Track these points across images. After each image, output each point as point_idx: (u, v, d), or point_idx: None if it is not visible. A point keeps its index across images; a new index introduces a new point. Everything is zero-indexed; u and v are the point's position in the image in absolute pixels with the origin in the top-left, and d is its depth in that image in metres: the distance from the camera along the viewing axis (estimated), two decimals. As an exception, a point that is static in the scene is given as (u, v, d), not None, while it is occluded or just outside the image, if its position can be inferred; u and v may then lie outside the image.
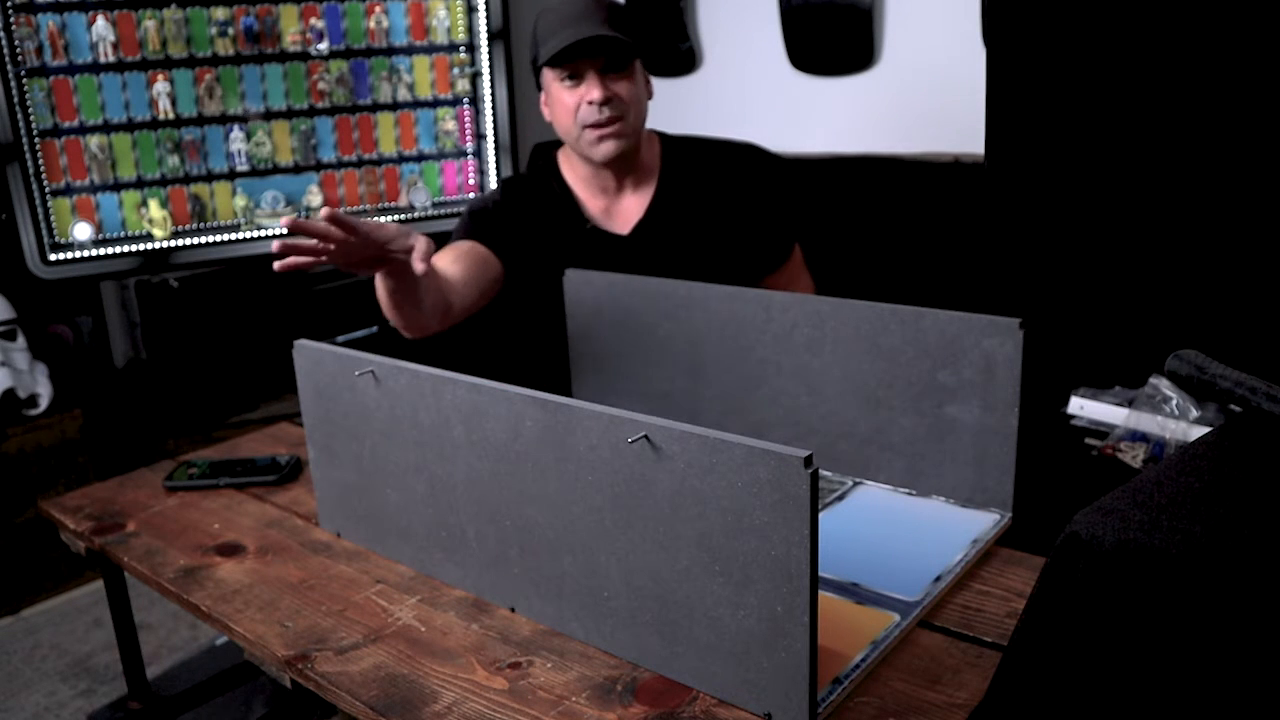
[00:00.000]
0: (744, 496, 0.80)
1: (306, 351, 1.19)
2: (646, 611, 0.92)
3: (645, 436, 0.85)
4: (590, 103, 1.50)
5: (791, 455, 0.77)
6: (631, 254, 1.59)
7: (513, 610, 1.06)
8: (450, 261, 1.52)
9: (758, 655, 0.85)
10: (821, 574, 1.07)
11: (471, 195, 2.93)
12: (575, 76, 1.52)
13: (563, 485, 0.94)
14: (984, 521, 1.16)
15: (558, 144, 1.68)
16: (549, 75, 1.55)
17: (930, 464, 1.22)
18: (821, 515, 1.20)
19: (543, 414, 0.93)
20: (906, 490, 1.26)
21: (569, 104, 1.53)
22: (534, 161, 1.71)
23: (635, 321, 1.46)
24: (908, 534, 1.16)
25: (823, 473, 1.31)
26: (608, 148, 1.54)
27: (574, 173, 1.64)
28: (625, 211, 1.64)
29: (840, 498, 1.26)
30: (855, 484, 1.29)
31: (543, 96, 1.60)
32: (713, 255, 1.61)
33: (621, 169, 1.60)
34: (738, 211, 1.64)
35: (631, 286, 1.45)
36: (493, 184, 2.93)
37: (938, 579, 1.05)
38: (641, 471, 0.87)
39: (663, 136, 1.69)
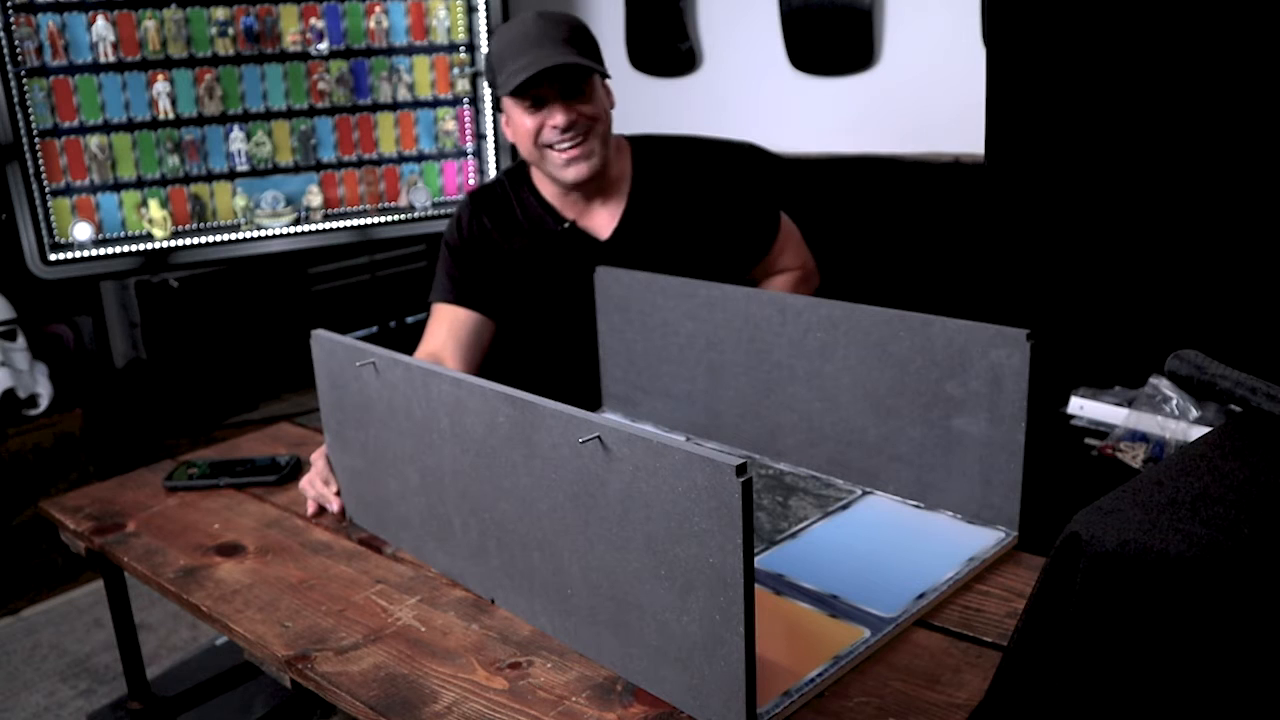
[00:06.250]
0: (684, 502, 0.79)
1: (323, 341, 1.22)
2: (604, 611, 0.92)
3: (598, 438, 0.85)
4: (554, 127, 1.48)
5: (724, 463, 0.75)
6: (612, 258, 1.56)
7: (493, 602, 1.07)
8: (444, 340, 1.58)
9: (700, 663, 0.84)
10: (802, 584, 1.06)
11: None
12: (537, 103, 1.49)
13: (531, 481, 0.95)
14: (986, 539, 1.13)
15: None
16: (509, 100, 1.52)
17: (938, 476, 1.19)
18: (823, 524, 1.20)
19: (513, 410, 0.94)
20: (915, 503, 1.23)
21: (530, 127, 1.50)
22: (509, 171, 1.68)
23: (660, 320, 1.46)
24: (904, 548, 1.13)
25: (832, 480, 1.30)
26: (578, 170, 1.51)
27: (546, 188, 1.61)
28: (599, 220, 1.62)
29: (845, 506, 1.24)
30: (864, 493, 1.26)
31: (503, 118, 1.57)
32: (694, 253, 1.60)
33: (592, 184, 1.57)
34: (712, 206, 1.62)
35: (655, 285, 1.45)
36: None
37: (920, 596, 1.03)
38: (596, 472, 0.87)
39: (632, 141, 1.66)
